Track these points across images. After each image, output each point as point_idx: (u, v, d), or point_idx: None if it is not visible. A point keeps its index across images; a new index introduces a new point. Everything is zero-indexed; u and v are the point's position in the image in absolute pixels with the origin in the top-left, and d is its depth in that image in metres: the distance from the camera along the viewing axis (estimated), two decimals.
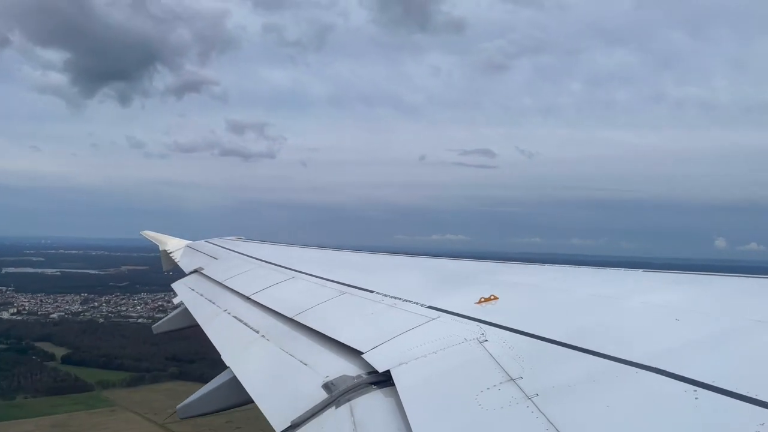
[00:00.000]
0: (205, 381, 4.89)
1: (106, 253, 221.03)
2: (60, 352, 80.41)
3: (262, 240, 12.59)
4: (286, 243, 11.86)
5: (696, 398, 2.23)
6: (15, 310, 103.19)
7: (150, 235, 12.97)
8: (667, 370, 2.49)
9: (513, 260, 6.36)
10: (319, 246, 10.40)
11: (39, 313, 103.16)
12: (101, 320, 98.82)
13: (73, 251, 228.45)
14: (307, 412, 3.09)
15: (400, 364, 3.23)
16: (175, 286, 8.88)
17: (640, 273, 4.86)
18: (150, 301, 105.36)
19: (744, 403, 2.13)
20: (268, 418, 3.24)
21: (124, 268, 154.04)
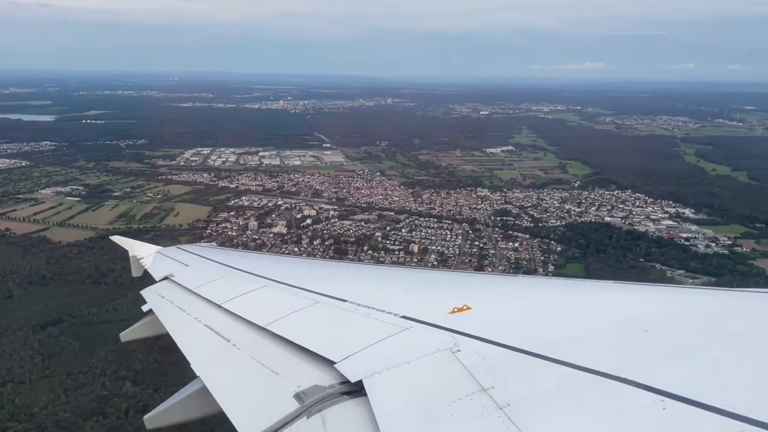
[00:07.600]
0: None
1: None
2: None
3: (234, 247, 12.45)
4: (259, 252, 11.74)
5: (664, 408, 2.28)
6: None
7: (120, 240, 12.64)
8: (636, 380, 2.54)
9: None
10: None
11: None
12: None
13: None
14: (278, 422, 3.05)
15: (372, 375, 3.22)
16: (144, 293, 8.70)
17: (610, 284, 4.97)
18: None
19: (711, 413, 2.18)
20: (238, 429, 3.19)
21: None
